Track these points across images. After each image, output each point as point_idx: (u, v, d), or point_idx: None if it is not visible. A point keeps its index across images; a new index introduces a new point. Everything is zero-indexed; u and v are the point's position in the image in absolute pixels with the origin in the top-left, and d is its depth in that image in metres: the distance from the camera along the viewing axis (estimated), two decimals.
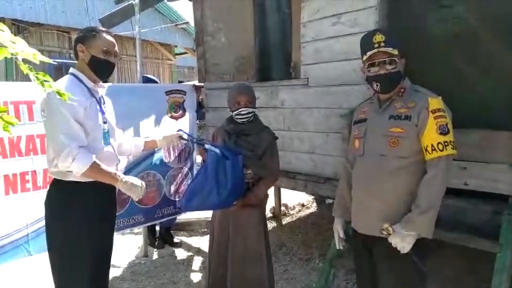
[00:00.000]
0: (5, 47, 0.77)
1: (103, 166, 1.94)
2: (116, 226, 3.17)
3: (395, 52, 1.78)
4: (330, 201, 5.97)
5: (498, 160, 2.28)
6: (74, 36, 9.58)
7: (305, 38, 3.20)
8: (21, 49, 0.78)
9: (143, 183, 2.10)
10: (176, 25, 10.73)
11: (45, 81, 0.89)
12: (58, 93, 0.93)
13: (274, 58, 3.66)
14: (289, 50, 3.40)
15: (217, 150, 2.28)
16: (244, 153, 2.33)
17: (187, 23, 10.72)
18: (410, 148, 1.75)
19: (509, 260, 2.02)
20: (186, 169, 3.73)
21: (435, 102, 1.72)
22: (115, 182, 1.99)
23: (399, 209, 1.77)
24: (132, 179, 2.06)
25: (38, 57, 0.81)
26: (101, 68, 2.04)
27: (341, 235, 2.08)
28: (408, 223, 1.69)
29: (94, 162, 1.89)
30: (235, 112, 2.37)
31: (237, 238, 2.38)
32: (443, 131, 1.68)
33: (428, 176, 1.69)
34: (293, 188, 3.53)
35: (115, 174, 2.00)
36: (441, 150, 1.67)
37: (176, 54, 12.16)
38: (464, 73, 2.66)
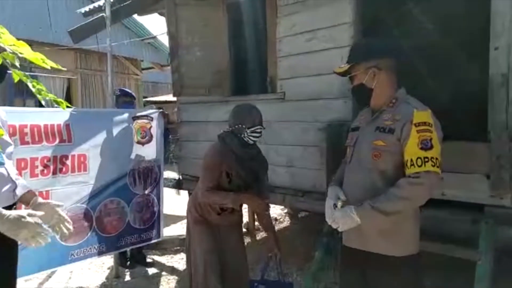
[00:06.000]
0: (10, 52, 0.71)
1: None
2: (75, 256, 3.06)
3: (344, 68, 1.82)
4: (303, 214, 6.00)
5: (474, 170, 2.35)
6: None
7: (281, 53, 3.24)
8: (26, 52, 0.72)
9: (37, 220, 1.49)
10: (143, 39, 10.59)
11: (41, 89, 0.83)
12: (56, 101, 0.87)
13: (250, 72, 3.68)
14: (265, 64, 3.43)
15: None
16: (262, 175, 2.38)
17: (154, 37, 10.59)
18: (393, 163, 1.69)
19: (489, 268, 2.07)
20: (152, 196, 3.62)
21: (421, 115, 1.65)
22: None
23: (380, 228, 1.72)
24: (20, 212, 1.50)
25: (47, 62, 0.76)
26: None
27: (342, 197, 1.82)
28: (359, 208, 1.66)
29: None
30: (252, 129, 2.27)
31: (231, 249, 2.39)
32: (425, 146, 1.59)
33: (400, 183, 1.62)
34: (271, 202, 3.51)
35: None
36: (419, 166, 1.58)
37: (143, 68, 11.98)
38: (430, 86, 2.77)
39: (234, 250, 2.40)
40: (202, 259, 2.29)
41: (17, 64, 0.77)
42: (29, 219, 1.44)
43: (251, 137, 2.29)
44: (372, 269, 1.79)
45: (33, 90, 0.78)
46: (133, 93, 4.30)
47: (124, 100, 4.05)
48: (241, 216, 2.53)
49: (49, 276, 3.70)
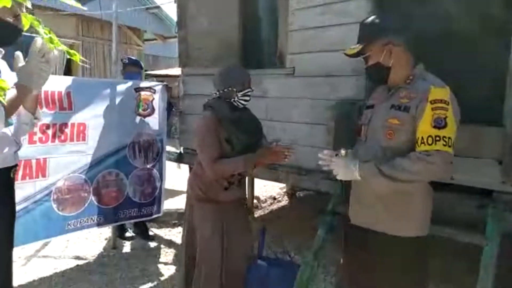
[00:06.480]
0: None
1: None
2: (72, 226, 3.02)
3: (357, 49, 1.74)
4: (301, 194, 5.99)
5: (486, 155, 2.29)
6: (39, 13, 8.98)
7: (293, 26, 3.11)
8: None
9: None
10: (147, 8, 10.29)
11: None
12: (68, 52, 0.79)
13: (259, 46, 3.54)
14: (275, 38, 3.30)
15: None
16: (260, 136, 2.29)
17: (158, 7, 10.32)
18: (407, 142, 1.64)
19: (495, 253, 2.04)
20: (154, 171, 3.54)
21: (438, 92, 1.58)
22: (24, 92, 1.56)
23: (392, 206, 1.70)
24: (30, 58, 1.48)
25: None
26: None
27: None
28: (364, 164, 1.65)
29: None
30: (242, 93, 2.17)
31: (237, 229, 2.27)
32: (438, 125, 1.53)
33: (411, 156, 1.57)
34: (275, 180, 3.46)
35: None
36: (429, 144, 1.53)
37: (145, 40, 11.71)
38: (453, 67, 2.66)
39: (241, 230, 2.29)
40: (205, 242, 2.22)
41: (29, 4, 0.69)
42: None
43: (242, 101, 2.19)
44: (374, 249, 1.75)
45: (45, 37, 0.70)
46: (142, 63, 4.14)
47: (132, 69, 3.90)
48: (245, 190, 2.45)
49: (45, 244, 3.67)
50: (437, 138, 1.53)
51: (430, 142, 1.53)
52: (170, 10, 17.07)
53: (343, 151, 1.73)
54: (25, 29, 1.15)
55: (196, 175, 2.30)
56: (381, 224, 1.73)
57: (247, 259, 2.31)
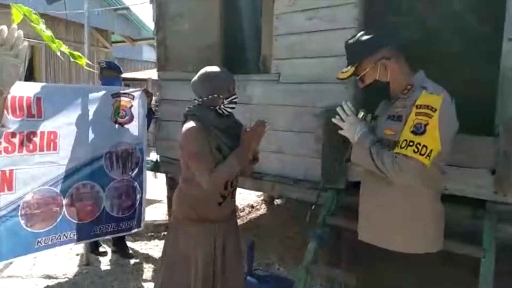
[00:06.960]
0: None
1: None
2: (43, 244, 2.79)
3: (350, 71, 1.71)
4: (279, 202, 5.90)
5: (479, 165, 2.28)
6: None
7: (278, 30, 3.01)
8: None
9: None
10: (115, 10, 9.92)
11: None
12: (72, 55, 0.64)
13: (242, 50, 3.43)
14: (259, 42, 3.20)
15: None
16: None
17: (127, 8, 9.99)
18: None
19: (493, 264, 2.02)
20: (135, 183, 3.33)
21: (427, 97, 1.53)
22: None
23: (400, 223, 1.65)
24: None
25: None
26: None
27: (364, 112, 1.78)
28: (365, 136, 1.65)
29: None
30: (229, 100, 1.99)
31: (230, 257, 2.12)
32: (417, 130, 1.48)
33: (392, 153, 1.54)
34: (259, 190, 3.36)
35: None
36: (401, 148, 1.49)
37: (113, 42, 11.28)
38: (443, 74, 2.66)
39: (234, 247, 2.14)
40: (196, 265, 2.03)
41: None
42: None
43: (228, 108, 2.02)
44: (382, 265, 1.71)
45: (46, 33, 0.56)
46: (120, 67, 3.90)
47: (110, 74, 3.65)
48: (235, 202, 2.29)
49: (10, 263, 3.37)
50: (410, 143, 1.49)
51: (403, 145, 1.51)
52: (140, 11, 16.63)
53: (361, 113, 1.72)
54: (15, 24, 0.95)
55: (184, 194, 2.10)
56: (389, 242, 1.68)
57: (242, 277, 2.18)
